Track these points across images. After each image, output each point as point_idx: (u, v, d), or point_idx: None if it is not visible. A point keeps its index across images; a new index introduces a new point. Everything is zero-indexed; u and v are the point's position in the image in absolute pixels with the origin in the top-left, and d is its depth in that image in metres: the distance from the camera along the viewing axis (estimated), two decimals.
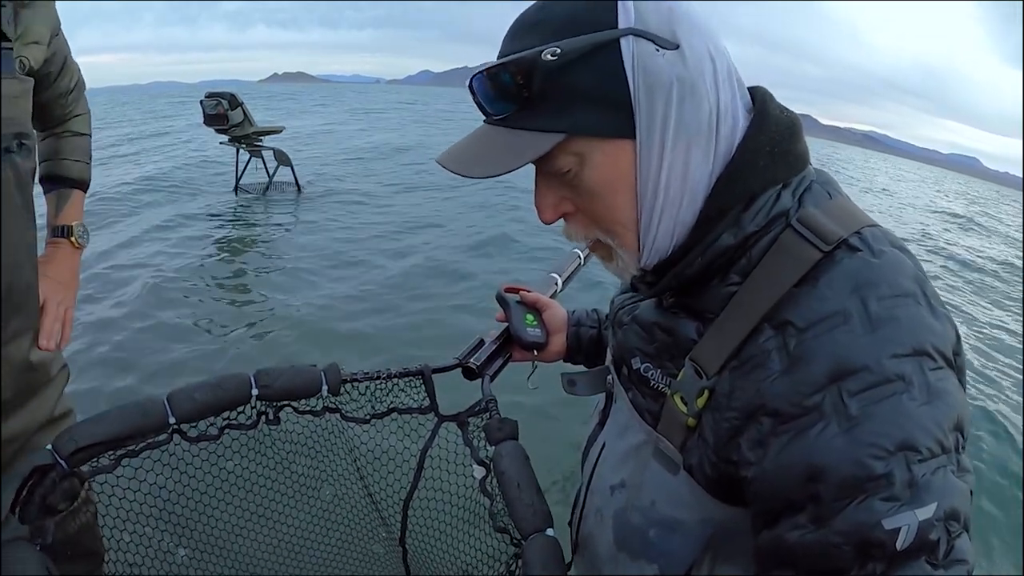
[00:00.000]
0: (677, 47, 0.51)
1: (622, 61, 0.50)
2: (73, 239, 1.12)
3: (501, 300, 0.96)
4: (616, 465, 0.68)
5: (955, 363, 0.49)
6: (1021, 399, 4.29)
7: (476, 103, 0.54)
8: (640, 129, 0.52)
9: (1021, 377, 4.75)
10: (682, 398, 0.57)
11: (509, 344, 0.94)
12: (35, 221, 0.88)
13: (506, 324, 0.94)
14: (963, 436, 0.48)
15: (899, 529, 0.43)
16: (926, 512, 0.43)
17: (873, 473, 0.44)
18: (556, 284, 1.05)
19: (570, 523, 0.79)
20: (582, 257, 1.10)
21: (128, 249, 5.27)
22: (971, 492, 0.47)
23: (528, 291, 0.99)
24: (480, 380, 0.88)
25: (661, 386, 0.61)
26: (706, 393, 0.54)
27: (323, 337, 3.74)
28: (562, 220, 0.60)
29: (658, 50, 0.50)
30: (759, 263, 0.53)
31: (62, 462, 0.64)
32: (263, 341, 3.65)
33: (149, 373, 3.16)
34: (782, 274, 0.51)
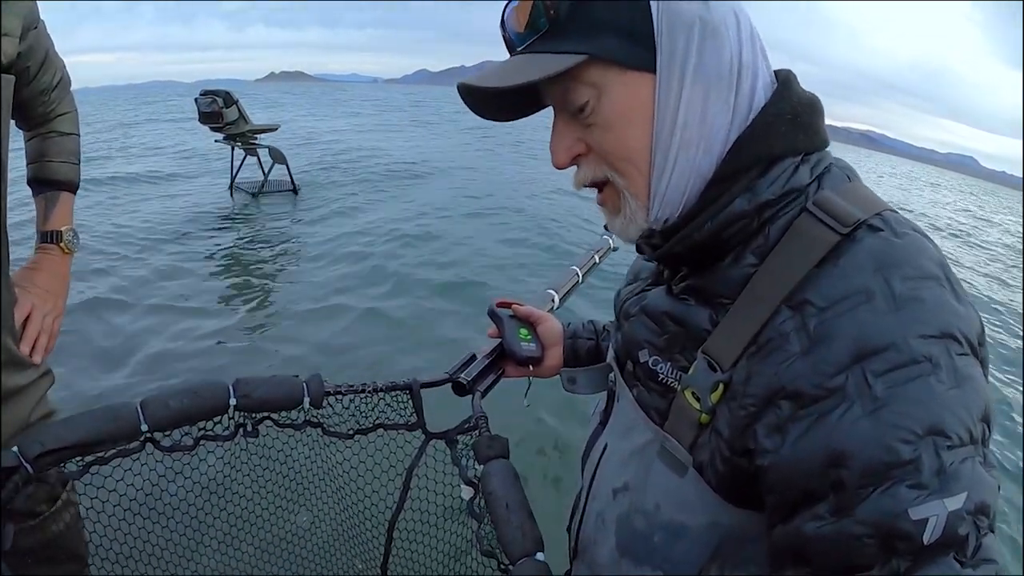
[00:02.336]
0: None
1: None
2: (63, 244, 1.09)
3: (493, 315, 0.94)
4: (619, 467, 0.65)
5: (979, 353, 0.47)
6: (1021, 391, 4.23)
7: (504, 39, 0.57)
8: (661, 62, 0.52)
9: (1021, 370, 4.68)
10: (694, 393, 0.54)
11: (502, 360, 0.92)
12: (4, 222, 0.86)
13: (499, 339, 0.91)
14: (989, 429, 0.45)
15: (927, 520, 0.40)
16: (955, 503, 0.41)
17: (900, 458, 0.41)
18: (553, 300, 1.03)
19: (568, 528, 0.76)
20: (580, 275, 1.08)
21: (118, 245, 5.22)
22: (998, 488, 0.44)
23: (521, 305, 0.96)
24: (471, 397, 0.85)
25: (671, 381, 0.58)
26: (721, 387, 0.52)
27: (315, 340, 3.65)
28: (574, 169, 0.60)
29: None
30: (775, 246, 0.52)
31: (27, 465, 0.61)
32: (252, 344, 3.56)
33: (131, 372, 3.12)
34: (799, 257, 0.49)
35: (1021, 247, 12.50)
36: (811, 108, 0.56)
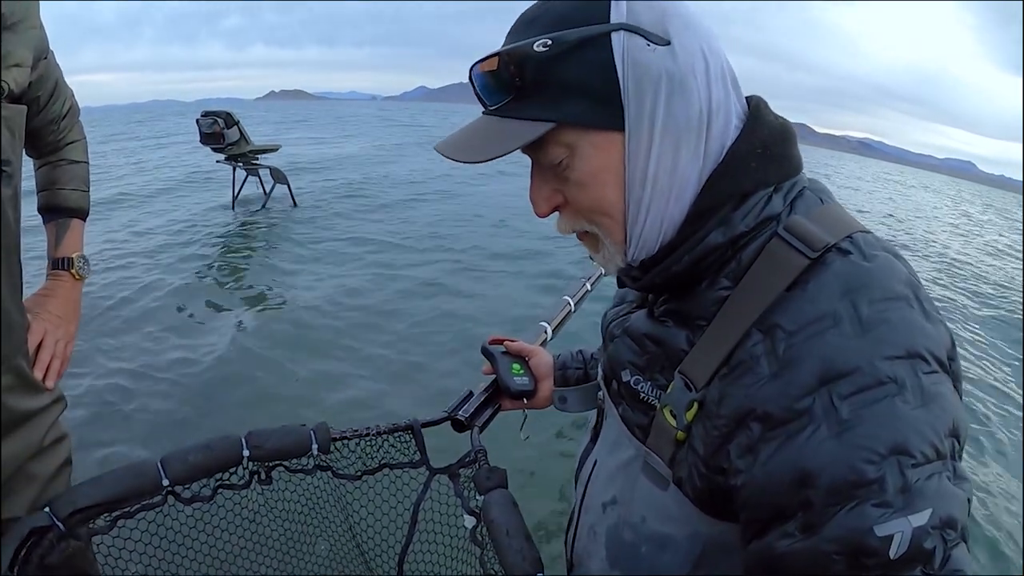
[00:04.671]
0: (668, 43, 0.52)
1: (612, 55, 0.51)
2: (74, 271, 1.11)
3: (486, 353, 0.98)
4: (607, 482, 0.67)
5: (950, 368, 0.48)
6: (1021, 394, 4.18)
7: (475, 94, 0.56)
8: (629, 121, 0.52)
9: (1021, 371, 4.65)
10: (671, 411, 0.56)
11: (498, 395, 0.96)
12: (18, 248, 0.86)
13: (493, 376, 0.96)
14: (959, 443, 0.46)
15: (892, 536, 0.42)
16: (920, 519, 0.42)
17: (865, 478, 0.43)
18: (546, 332, 1.08)
19: (565, 541, 0.78)
20: (572, 304, 1.13)
21: (119, 265, 5.27)
22: (969, 500, 0.46)
23: (512, 341, 1.01)
24: (469, 432, 0.89)
25: (651, 399, 0.60)
26: (695, 406, 0.54)
27: (319, 356, 3.62)
28: (556, 214, 0.61)
29: (649, 45, 0.51)
30: (748, 270, 0.53)
31: (59, 524, 0.66)
32: (254, 360, 3.57)
33: (135, 390, 3.13)
34: (770, 281, 0.51)
35: (1021, 247, 12.28)
36: (782, 137, 0.57)
